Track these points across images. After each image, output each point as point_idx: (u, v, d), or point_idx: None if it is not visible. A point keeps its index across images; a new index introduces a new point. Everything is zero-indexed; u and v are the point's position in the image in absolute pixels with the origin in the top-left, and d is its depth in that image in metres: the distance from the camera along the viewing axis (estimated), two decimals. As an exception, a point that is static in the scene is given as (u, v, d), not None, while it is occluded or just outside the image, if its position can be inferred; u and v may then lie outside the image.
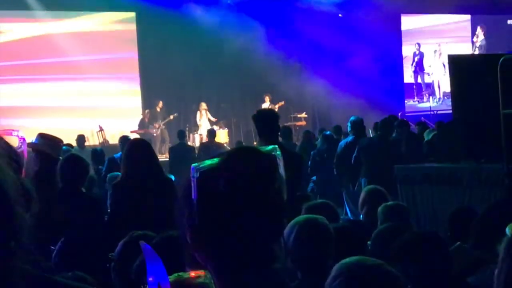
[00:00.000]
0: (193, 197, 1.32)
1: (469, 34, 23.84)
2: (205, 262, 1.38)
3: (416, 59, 22.85)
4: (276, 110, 15.82)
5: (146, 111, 18.58)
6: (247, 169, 1.31)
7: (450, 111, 12.22)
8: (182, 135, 13.68)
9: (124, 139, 11.32)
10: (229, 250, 1.33)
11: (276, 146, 1.41)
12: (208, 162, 1.33)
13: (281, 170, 1.37)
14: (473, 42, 23.77)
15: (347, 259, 2.27)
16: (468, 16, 23.56)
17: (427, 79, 23.08)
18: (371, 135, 12.20)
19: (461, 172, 7.97)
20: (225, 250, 1.34)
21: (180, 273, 1.61)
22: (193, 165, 1.33)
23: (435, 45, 23.07)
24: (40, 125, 15.52)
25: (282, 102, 18.88)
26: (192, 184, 1.32)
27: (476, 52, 23.22)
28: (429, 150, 9.99)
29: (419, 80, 23.07)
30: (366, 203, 5.28)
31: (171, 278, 1.57)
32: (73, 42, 18.33)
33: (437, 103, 22.35)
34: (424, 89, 22.84)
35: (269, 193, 1.33)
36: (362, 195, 5.50)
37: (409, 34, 23.08)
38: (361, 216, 5.39)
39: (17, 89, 17.83)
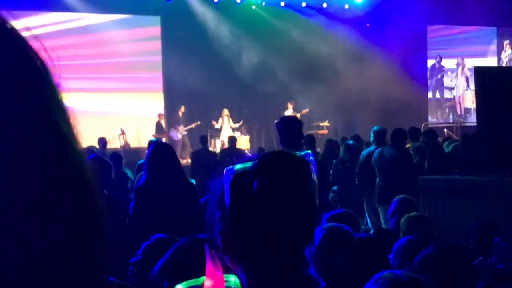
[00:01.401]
0: (225, 200, 1.31)
1: (495, 47, 23.65)
2: (235, 267, 1.37)
3: (438, 75, 22.72)
4: (299, 117, 15.79)
5: (162, 115, 18.63)
6: (281, 173, 1.30)
7: (475, 124, 12.14)
8: (204, 140, 13.69)
9: (151, 144, 11.35)
10: (261, 254, 1.32)
11: (309, 151, 1.40)
12: (241, 165, 1.32)
13: (314, 175, 1.36)
14: (499, 55, 23.56)
15: (384, 273, 2.23)
16: (494, 29, 23.38)
17: (448, 94, 22.91)
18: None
19: (485, 185, 7.88)
20: (257, 254, 1.32)
21: (195, 279, 1.59)
22: (226, 168, 1.32)
23: (458, 58, 22.90)
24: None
25: (307, 110, 18.84)
26: (225, 187, 1.31)
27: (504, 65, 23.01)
28: (452, 162, 9.90)
29: (438, 95, 22.92)
30: (397, 213, 5.27)
31: (187, 283, 1.55)
32: (96, 44, 18.48)
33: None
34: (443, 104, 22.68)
35: (302, 197, 1.32)
36: (393, 204, 5.48)
37: (433, 45, 22.96)
38: (389, 225, 5.36)
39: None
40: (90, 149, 10.43)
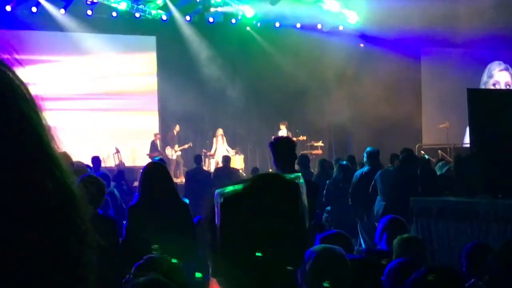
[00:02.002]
0: (216, 222, 1.32)
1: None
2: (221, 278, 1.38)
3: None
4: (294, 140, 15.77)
5: (158, 134, 18.64)
6: (270, 196, 1.32)
7: (468, 145, 12.19)
8: (198, 159, 13.71)
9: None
10: (250, 276, 1.33)
11: (300, 174, 1.42)
12: (231, 188, 1.34)
13: (304, 198, 1.38)
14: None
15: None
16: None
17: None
18: (388, 166, 12.18)
19: (478, 206, 7.91)
20: (247, 276, 1.33)
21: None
22: (217, 190, 1.34)
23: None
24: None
25: (304, 137, 18.78)
26: (216, 210, 1.32)
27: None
28: (444, 184, 9.94)
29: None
30: (386, 231, 5.28)
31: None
32: (91, 64, 18.51)
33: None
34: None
35: (291, 219, 1.34)
36: (381, 223, 5.49)
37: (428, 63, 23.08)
38: (381, 243, 5.37)
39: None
40: (83, 167, 10.41)
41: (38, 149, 0.72)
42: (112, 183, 11.49)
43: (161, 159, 12.14)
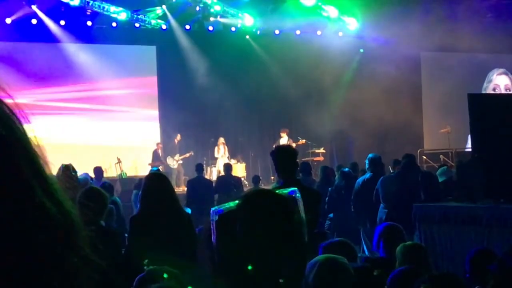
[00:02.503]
0: (212, 240, 1.33)
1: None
2: None
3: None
4: (294, 146, 15.80)
5: (159, 144, 18.65)
6: (262, 212, 1.33)
7: (470, 150, 12.18)
8: (200, 168, 13.70)
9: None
10: None
11: (296, 188, 1.42)
12: (226, 205, 1.35)
13: (301, 212, 1.38)
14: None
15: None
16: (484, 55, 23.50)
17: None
18: (390, 172, 12.17)
19: (480, 212, 7.89)
20: None
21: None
22: (212, 209, 1.35)
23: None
24: (58, 158, 15.57)
25: (303, 141, 18.82)
26: (212, 227, 1.33)
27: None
28: (446, 190, 9.93)
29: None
30: (382, 238, 5.28)
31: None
32: (91, 74, 18.53)
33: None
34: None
35: (285, 234, 1.34)
36: (378, 229, 5.48)
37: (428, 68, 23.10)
38: (379, 250, 5.36)
39: (34, 121, 17.91)
40: (85, 178, 10.42)
41: (37, 175, 0.73)
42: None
43: (158, 170, 12.11)
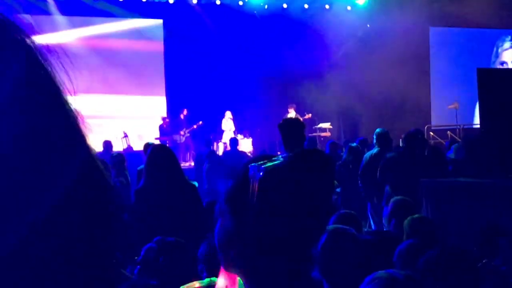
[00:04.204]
0: (250, 197, 1.28)
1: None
2: (237, 267, 1.34)
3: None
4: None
5: (166, 118, 18.61)
6: (311, 169, 1.30)
7: (477, 126, 12.10)
8: (208, 142, 13.69)
9: (147, 146, 11.24)
10: (275, 250, 1.29)
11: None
12: (270, 163, 1.30)
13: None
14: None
15: (379, 273, 2.21)
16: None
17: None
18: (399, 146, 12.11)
19: (489, 187, 7.84)
20: (272, 250, 1.29)
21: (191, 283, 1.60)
22: (251, 165, 1.29)
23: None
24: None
25: (309, 115, 18.79)
26: (252, 185, 1.28)
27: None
28: (455, 166, 9.87)
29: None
30: (395, 216, 5.20)
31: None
32: (98, 48, 18.48)
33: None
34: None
35: (325, 195, 1.33)
36: (389, 207, 5.41)
37: (436, 45, 22.94)
38: (389, 228, 5.30)
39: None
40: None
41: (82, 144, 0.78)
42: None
43: (158, 144, 12.03)
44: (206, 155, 13.28)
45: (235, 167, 12.31)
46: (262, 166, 1.28)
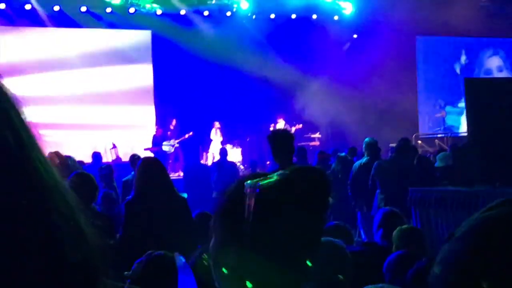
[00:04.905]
0: (246, 214, 1.29)
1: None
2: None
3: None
4: (292, 131, 15.78)
5: (159, 128, 18.55)
6: (307, 188, 1.32)
7: (465, 134, 12.16)
8: (197, 153, 13.68)
9: (134, 158, 11.19)
10: (272, 266, 1.30)
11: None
12: (265, 181, 1.31)
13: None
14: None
15: (369, 287, 2.22)
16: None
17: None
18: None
19: (476, 195, 7.89)
20: (268, 264, 1.31)
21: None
22: (246, 183, 1.30)
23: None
24: (52, 140, 15.49)
25: (300, 125, 18.81)
26: (248, 202, 1.29)
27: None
28: (442, 174, 9.92)
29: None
30: (382, 226, 5.21)
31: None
32: (87, 58, 18.43)
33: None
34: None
35: (321, 213, 1.34)
36: (377, 217, 5.42)
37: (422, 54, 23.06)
38: (377, 238, 5.31)
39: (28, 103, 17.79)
40: (77, 162, 10.34)
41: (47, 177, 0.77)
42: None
43: (147, 157, 11.97)
44: (216, 166, 13.26)
45: (223, 179, 12.31)
46: (259, 183, 1.30)
